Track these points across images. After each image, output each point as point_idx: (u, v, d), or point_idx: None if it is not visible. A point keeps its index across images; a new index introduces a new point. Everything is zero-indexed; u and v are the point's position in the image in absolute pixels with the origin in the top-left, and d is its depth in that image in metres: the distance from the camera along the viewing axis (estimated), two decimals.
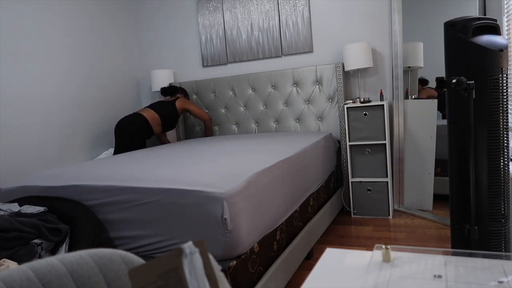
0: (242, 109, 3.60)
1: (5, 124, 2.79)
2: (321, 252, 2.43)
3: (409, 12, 3.01)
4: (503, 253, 1.51)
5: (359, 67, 3.00)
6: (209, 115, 3.61)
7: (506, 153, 1.53)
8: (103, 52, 3.71)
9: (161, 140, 3.70)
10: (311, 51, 3.40)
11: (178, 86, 3.70)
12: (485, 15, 2.73)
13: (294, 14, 3.40)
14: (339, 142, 3.25)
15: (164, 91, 3.53)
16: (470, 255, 0.83)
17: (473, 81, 1.40)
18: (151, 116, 3.26)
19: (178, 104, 3.39)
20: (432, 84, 2.98)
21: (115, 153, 3.22)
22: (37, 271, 0.63)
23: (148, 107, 3.35)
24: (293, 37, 3.43)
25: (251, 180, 1.65)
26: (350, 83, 3.32)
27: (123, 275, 0.68)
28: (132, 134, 3.16)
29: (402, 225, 2.79)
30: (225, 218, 1.44)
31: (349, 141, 3.00)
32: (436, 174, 2.90)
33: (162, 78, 3.77)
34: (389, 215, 2.96)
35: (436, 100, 2.83)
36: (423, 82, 2.97)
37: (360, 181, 3.01)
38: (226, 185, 1.52)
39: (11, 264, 1.32)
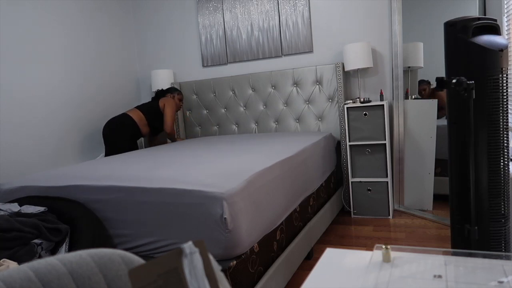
0: (242, 109, 3.60)
1: (4, 123, 2.79)
2: (321, 252, 2.43)
3: (409, 12, 3.01)
4: (503, 253, 1.51)
5: (359, 67, 3.00)
6: (173, 130, 3.34)
7: (506, 153, 1.53)
8: (103, 52, 3.71)
9: (151, 142, 3.58)
10: (311, 51, 3.40)
11: (173, 86, 3.59)
12: (485, 15, 2.73)
13: (294, 14, 3.40)
14: (338, 142, 3.25)
15: (155, 95, 3.48)
16: (470, 255, 0.83)
17: (473, 81, 1.40)
18: (138, 116, 3.23)
19: (161, 102, 3.32)
20: (433, 84, 2.98)
21: (106, 155, 3.19)
22: (37, 271, 0.63)
23: (136, 107, 3.31)
24: (293, 37, 3.43)
25: (251, 180, 1.65)
26: (350, 83, 3.32)
27: (123, 275, 0.68)
28: (119, 134, 3.13)
29: (402, 225, 2.79)
30: (225, 218, 1.44)
31: (349, 141, 3.00)
32: (436, 174, 2.90)
33: (162, 78, 3.77)
34: (389, 215, 2.96)
35: (436, 100, 2.83)
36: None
37: (360, 181, 3.01)
38: (226, 184, 1.53)
39: (11, 264, 1.32)
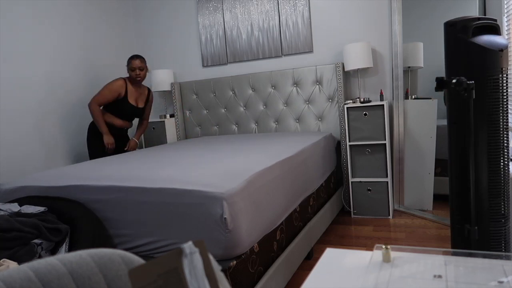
0: (242, 109, 3.60)
1: (2, 122, 2.79)
2: (321, 252, 2.43)
3: (409, 12, 3.01)
4: (503, 253, 1.51)
5: (359, 67, 2.99)
6: (93, 106, 2.95)
7: (506, 153, 1.53)
8: (103, 52, 3.71)
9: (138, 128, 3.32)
10: (311, 51, 3.40)
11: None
12: (485, 15, 2.73)
13: (294, 14, 3.40)
14: (338, 142, 3.25)
15: None
16: (470, 255, 0.83)
17: (473, 81, 1.40)
18: (106, 114, 3.09)
19: None
20: (433, 84, 2.98)
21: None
22: (37, 271, 0.63)
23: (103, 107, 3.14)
24: (293, 37, 3.43)
25: (251, 180, 1.65)
26: (350, 83, 3.32)
27: (123, 275, 0.68)
28: (98, 138, 3.03)
29: (402, 225, 2.79)
30: (225, 218, 1.44)
31: (349, 141, 3.00)
32: (436, 174, 2.90)
33: (162, 78, 3.77)
34: (389, 215, 2.96)
35: (436, 100, 2.83)
36: None
37: (360, 181, 3.01)
38: (226, 185, 1.53)
39: (11, 264, 1.32)
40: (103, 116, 3.02)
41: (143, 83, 3.53)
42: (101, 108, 3.02)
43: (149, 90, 3.30)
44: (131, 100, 3.11)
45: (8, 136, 2.80)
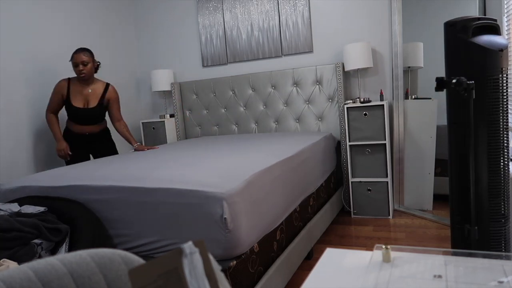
0: (242, 109, 3.60)
1: (3, 123, 2.79)
2: (321, 252, 2.43)
3: (409, 12, 3.01)
4: (503, 253, 1.51)
5: (359, 67, 2.99)
6: (48, 117, 2.80)
7: (506, 153, 1.53)
8: (103, 52, 3.71)
9: (118, 129, 2.96)
10: (311, 51, 3.40)
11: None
12: (485, 15, 2.73)
13: (294, 14, 3.40)
14: (338, 142, 3.25)
15: None
16: (470, 255, 0.83)
17: (473, 81, 1.40)
18: (71, 125, 2.88)
19: None
20: (433, 84, 2.98)
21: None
22: (37, 271, 0.63)
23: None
24: (293, 37, 3.43)
25: (251, 180, 1.65)
26: (350, 83, 3.32)
27: (123, 275, 0.68)
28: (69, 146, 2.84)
29: (402, 225, 2.79)
30: (225, 218, 1.44)
31: (349, 141, 3.00)
32: (436, 174, 2.90)
33: (162, 78, 3.77)
34: (389, 215, 2.96)
35: (436, 100, 2.83)
36: None
37: (360, 181, 3.01)
38: (226, 185, 1.53)
39: (11, 264, 1.33)
40: (58, 123, 2.78)
41: (105, 78, 3.17)
42: (54, 114, 2.80)
43: (107, 85, 2.86)
44: (75, 102, 2.74)
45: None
